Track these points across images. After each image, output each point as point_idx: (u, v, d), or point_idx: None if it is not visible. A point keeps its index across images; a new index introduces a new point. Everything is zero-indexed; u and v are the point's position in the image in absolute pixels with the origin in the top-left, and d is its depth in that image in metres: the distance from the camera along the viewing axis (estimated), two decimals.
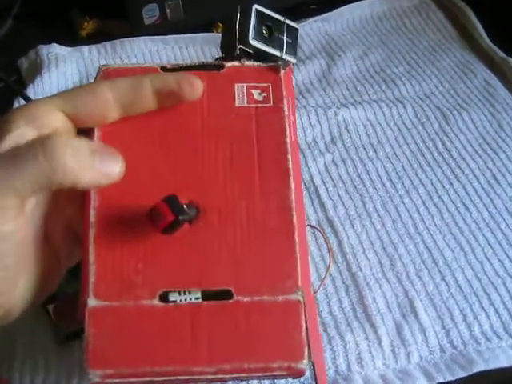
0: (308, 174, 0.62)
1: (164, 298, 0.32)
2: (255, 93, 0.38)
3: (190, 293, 0.33)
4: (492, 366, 0.48)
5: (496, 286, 0.53)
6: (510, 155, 0.65)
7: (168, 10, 0.78)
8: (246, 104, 0.37)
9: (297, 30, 0.42)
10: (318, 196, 0.60)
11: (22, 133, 0.31)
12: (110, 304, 0.32)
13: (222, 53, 0.42)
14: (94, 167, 0.31)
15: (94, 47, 0.77)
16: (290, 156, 0.36)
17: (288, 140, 0.37)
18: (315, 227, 0.55)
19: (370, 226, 0.58)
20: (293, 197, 0.35)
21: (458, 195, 0.61)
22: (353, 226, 0.58)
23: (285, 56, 0.40)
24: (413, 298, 0.52)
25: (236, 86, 0.38)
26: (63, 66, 0.74)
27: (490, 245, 0.57)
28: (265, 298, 0.33)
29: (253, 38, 0.39)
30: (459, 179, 0.62)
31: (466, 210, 0.60)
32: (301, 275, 0.33)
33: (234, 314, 0.32)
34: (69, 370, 0.48)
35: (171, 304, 0.32)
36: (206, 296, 0.33)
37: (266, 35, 0.40)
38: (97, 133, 0.35)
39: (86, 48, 0.77)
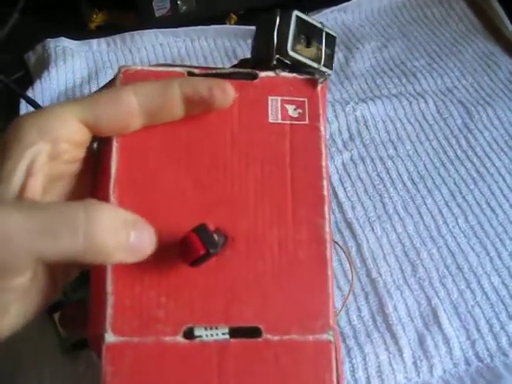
0: None
1: (188, 334, 0.30)
2: (290, 108, 0.35)
3: (217, 328, 0.30)
4: None
5: None
6: None
7: (179, 2, 0.75)
8: (279, 120, 0.34)
9: (335, 38, 0.38)
10: (336, 196, 0.58)
11: (38, 150, 0.28)
12: (129, 340, 0.29)
13: (254, 62, 0.38)
14: (129, 245, 0.28)
15: (102, 40, 0.75)
16: (325, 182, 0.34)
17: (324, 164, 0.34)
18: (337, 244, 0.52)
19: (390, 228, 0.55)
20: (327, 228, 0.33)
21: (483, 195, 0.58)
22: (372, 229, 0.55)
23: (322, 68, 0.36)
24: (436, 306, 0.50)
25: (270, 99, 0.35)
26: (71, 60, 0.72)
27: None
28: (294, 337, 0.31)
29: (292, 49, 0.35)
30: (484, 178, 0.59)
31: (491, 211, 0.57)
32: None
33: (262, 353, 0.30)
34: (75, 379, 0.46)
35: (197, 341, 0.30)
36: (234, 333, 0.30)
37: (304, 44, 0.36)
38: (115, 144, 0.32)
39: (94, 41, 0.75)
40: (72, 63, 0.72)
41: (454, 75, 0.71)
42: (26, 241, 0.25)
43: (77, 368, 0.47)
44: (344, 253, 0.53)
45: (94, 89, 0.68)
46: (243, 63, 0.38)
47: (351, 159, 0.61)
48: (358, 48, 0.74)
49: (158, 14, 0.76)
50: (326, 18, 0.78)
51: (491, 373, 0.46)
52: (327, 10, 0.79)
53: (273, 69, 0.35)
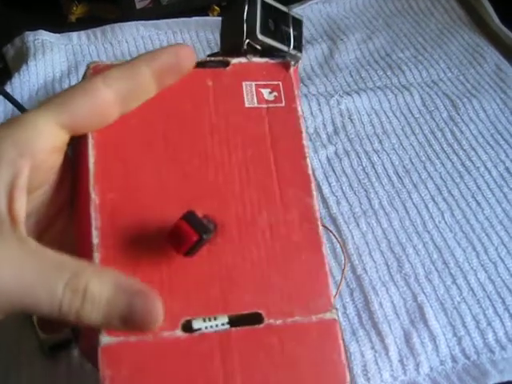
0: None
1: (187, 327, 0.29)
2: (265, 92, 0.35)
3: (215, 319, 0.29)
4: (507, 377, 0.45)
5: (511, 289, 0.50)
6: None
7: None
8: (256, 104, 0.34)
9: (301, 22, 0.39)
10: (321, 191, 0.57)
11: (18, 167, 0.27)
12: (125, 340, 0.28)
13: (223, 48, 0.38)
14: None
15: (83, 33, 0.73)
16: (308, 161, 0.33)
17: (306, 143, 0.34)
18: (324, 226, 0.51)
19: (375, 224, 0.54)
20: (316, 206, 0.32)
21: (469, 190, 0.57)
22: (358, 225, 0.54)
23: (292, 51, 0.36)
24: (422, 302, 0.49)
25: (244, 84, 0.35)
26: (50, 54, 0.70)
27: (503, 244, 0.53)
28: (297, 320, 0.30)
29: (260, 33, 0.35)
30: (470, 172, 0.59)
31: (477, 205, 0.56)
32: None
33: (266, 340, 0.29)
34: (54, 382, 0.45)
35: (196, 334, 0.29)
36: (234, 321, 0.30)
37: (272, 28, 0.36)
38: (91, 141, 0.31)
39: (74, 34, 0.73)
40: (51, 56, 0.70)
41: (440, 67, 0.70)
42: (11, 292, 0.25)
43: (56, 370, 0.46)
44: (335, 237, 0.52)
45: (73, 82, 0.66)
46: (211, 57, 0.38)
47: (336, 153, 0.60)
48: (342, 40, 0.73)
49: (139, 5, 0.74)
50: (310, 10, 0.78)
51: (478, 370, 0.45)
52: (311, 2, 0.78)
53: (244, 55, 0.35)
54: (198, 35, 0.74)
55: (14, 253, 0.26)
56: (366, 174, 0.58)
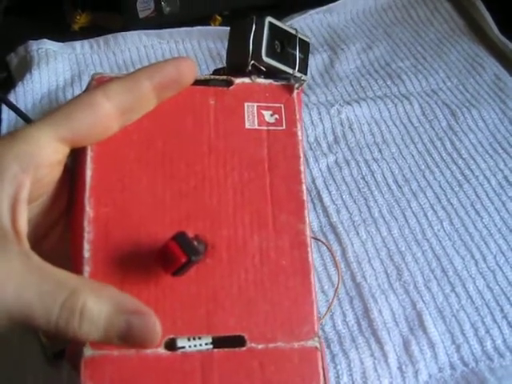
0: (310, 176, 0.59)
1: (171, 345, 0.30)
2: (266, 114, 0.35)
3: (200, 338, 0.30)
4: None
5: (509, 297, 0.51)
6: None
7: (163, 3, 0.74)
8: (256, 126, 0.34)
9: (308, 44, 0.39)
10: (321, 200, 0.57)
11: (20, 182, 0.28)
12: (108, 353, 0.29)
13: (229, 69, 0.38)
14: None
15: (86, 42, 0.74)
16: (304, 186, 0.34)
17: (302, 168, 0.34)
18: (320, 240, 0.52)
19: (375, 232, 0.55)
20: (308, 232, 0.33)
21: (468, 198, 0.58)
22: (357, 233, 0.55)
23: (297, 73, 0.36)
24: (421, 310, 0.49)
25: (246, 105, 0.35)
26: (54, 63, 0.71)
27: (502, 252, 0.54)
28: (279, 345, 0.30)
29: (266, 55, 0.35)
30: (469, 181, 0.59)
31: (476, 214, 0.57)
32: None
33: (247, 363, 0.30)
34: None
35: (179, 352, 0.29)
36: (217, 342, 0.30)
37: (279, 50, 0.36)
38: (90, 154, 0.32)
39: (77, 43, 0.74)
40: (55, 65, 0.71)
41: (439, 77, 0.71)
42: (11, 307, 0.26)
43: (59, 377, 0.46)
44: (330, 252, 0.52)
45: (77, 91, 0.67)
46: (216, 72, 0.38)
47: (336, 162, 0.61)
48: (342, 49, 0.74)
49: (141, 15, 0.75)
50: (311, 19, 0.78)
51: (476, 377, 0.46)
52: (312, 11, 0.79)
53: (248, 75, 0.35)
54: (200, 44, 0.75)
55: (16, 268, 0.26)
56: (366, 182, 0.59)
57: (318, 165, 0.60)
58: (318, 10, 0.79)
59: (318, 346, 0.31)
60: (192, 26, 0.76)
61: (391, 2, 0.82)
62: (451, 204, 0.57)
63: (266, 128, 0.34)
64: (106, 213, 0.31)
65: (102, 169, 0.32)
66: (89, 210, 0.31)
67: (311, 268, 0.32)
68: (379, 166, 0.60)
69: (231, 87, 0.35)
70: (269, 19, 0.36)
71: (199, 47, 0.74)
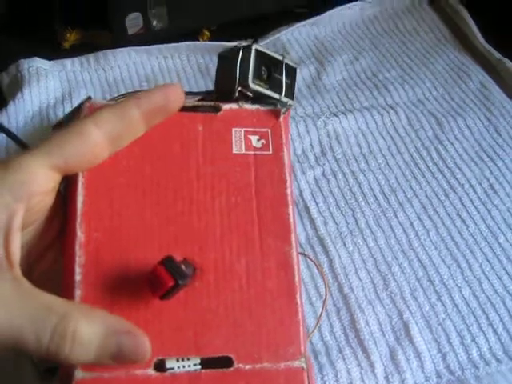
0: (297, 189, 0.60)
1: (160, 366, 0.30)
2: (253, 139, 0.36)
3: (188, 359, 0.31)
4: None
5: (495, 305, 0.51)
6: (507, 163, 0.63)
7: (152, 19, 0.75)
8: (243, 151, 0.35)
9: (295, 69, 0.40)
10: (308, 212, 0.58)
11: (13, 211, 0.29)
12: (99, 375, 0.29)
13: (217, 91, 0.39)
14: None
15: (76, 60, 0.75)
16: (290, 210, 0.34)
17: (289, 192, 0.35)
18: (308, 256, 0.52)
19: (362, 243, 0.56)
20: (294, 255, 0.33)
21: (454, 207, 0.59)
22: (344, 244, 0.55)
23: (284, 99, 0.37)
24: (407, 320, 0.50)
25: (234, 130, 0.36)
26: (45, 81, 0.71)
27: (487, 260, 0.54)
28: (266, 366, 0.31)
29: (253, 82, 0.36)
30: (455, 190, 0.60)
31: (462, 223, 0.57)
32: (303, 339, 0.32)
33: (234, 383, 0.31)
34: None
35: (168, 373, 0.30)
36: (205, 363, 0.31)
37: (265, 76, 0.37)
38: (81, 180, 0.33)
39: (68, 61, 0.74)
40: (46, 83, 0.72)
41: (426, 86, 0.72)
42: (2, 333, 0.27)
43: None
44: (317, 268, 0.53)
45: (67, 109, 0.68)
46: (208, 94, 0.39)
47: (323, 174, 0.61)
48: (329, 61, 0.75)
49: (130, 31, 0.76)
50: (298, 32, 0.79)
51: None
52: (299, 24, 0.79)
53: (236, 101, 0.36)
54: (188, 59, 0.76)
55: (8, 294, 0.27)
56: (353, 193, 0.60)
57: (306, 177, 0.61)
58: (304, 22, 0.79)
59: (305, 366, 0.31)
60: (180, 41, 0.77)
61: (377, 14, 0.82)
62: (437, 213, 0.58)
63: (253, 153, 0.35)
64: (97, 237, 0.32)
65: (93, 195, 0.33)
66: (80, 235, 0.32)
67: (297, 289, 0.33)
68: (366, 177, 0.61)
69: (219, 113, 0.36)
70: (255, 47, 0.37)
71: (188, 62, 0.75)
